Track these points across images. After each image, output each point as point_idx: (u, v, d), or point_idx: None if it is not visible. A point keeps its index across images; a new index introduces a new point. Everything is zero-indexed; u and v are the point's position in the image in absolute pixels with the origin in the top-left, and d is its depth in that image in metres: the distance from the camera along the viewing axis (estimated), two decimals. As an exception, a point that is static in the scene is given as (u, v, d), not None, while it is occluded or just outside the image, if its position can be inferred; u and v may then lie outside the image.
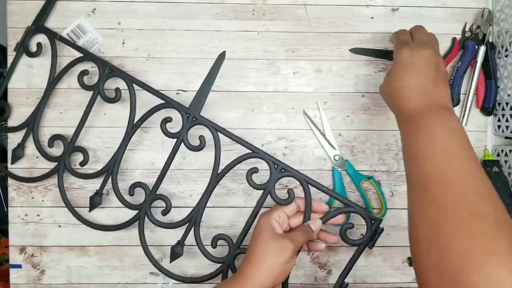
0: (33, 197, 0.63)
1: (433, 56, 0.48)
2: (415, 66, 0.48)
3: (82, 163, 0.60)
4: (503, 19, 0.61)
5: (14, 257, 0.63)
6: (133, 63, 0.63)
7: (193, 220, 0.58)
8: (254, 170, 0.55)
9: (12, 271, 0.63)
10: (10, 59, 0.62)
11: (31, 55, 0.61)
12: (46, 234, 0.63)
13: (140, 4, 0.63)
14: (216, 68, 0.57)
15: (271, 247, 0.47)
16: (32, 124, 0.61)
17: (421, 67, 0.48)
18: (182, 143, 0.57)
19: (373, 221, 0.55)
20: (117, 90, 0.59)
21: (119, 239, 0.63)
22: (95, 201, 0.60)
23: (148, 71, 0.63)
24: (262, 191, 0.56)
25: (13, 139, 0.62)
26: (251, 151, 0.56)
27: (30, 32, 0.61)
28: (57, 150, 0.61)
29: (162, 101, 0.58)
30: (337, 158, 0.63)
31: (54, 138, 0.61)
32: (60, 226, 0.63)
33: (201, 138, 0.56)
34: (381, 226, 0.54)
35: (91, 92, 0.59)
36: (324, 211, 0.54)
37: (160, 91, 0.59)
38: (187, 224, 0.58)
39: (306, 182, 0.55)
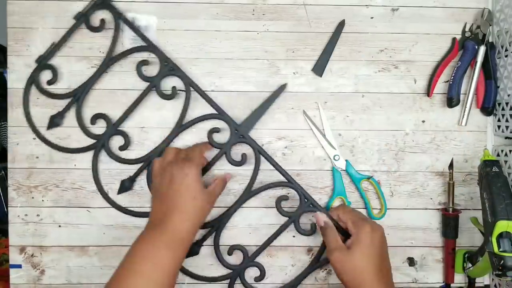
0: (33, 197, 0.63)
1: (383, 234, 0.54)
2: (380, 250, 0.52)
3: (122, 147, 0.61)
4: (503, 19, 0.61)
5: (14, 257, 0.63)
6: (133, 63, 0.63)
7: (216, 226, 0.61)
8: (283, 198, 0.59)
9: (12, 271, 0.63)
10: (10, 59, 0.62)
11: (92, 29, 0.61)
12: (46, 234, 0.63)
13: (140, 4, 0.63)
14: (274, 96, 0.62)
15: (207, 205, 0.52)
16: (79, 94, 0.61)
17: (382, 250, 0.52)
18: (224, 156, 0.60)
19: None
20: (174, 88, 0.60)
21: (119, 239, 0.63)
22: (126, 185, 0.62)
23: (148, 71, 0.63)
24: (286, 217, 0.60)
25: (13, 139, 0.62)
26: (287, 181, 0.60)
27: (94, 6, 0.61)
28: (95, 129, 0.62)
29: (215, 112, 0.61)
30: (337, 158, 0.63)
31: (97, 116, 0.61)
32: (60, 226, 0.63)
33: (244, 155, 0.60)
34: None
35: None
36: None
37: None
38: (209, 229, 0.61)
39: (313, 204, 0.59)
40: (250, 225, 0.63)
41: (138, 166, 0.62)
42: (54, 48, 0.61)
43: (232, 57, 0.63)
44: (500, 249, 0.51)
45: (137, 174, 0.62)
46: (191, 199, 0.49)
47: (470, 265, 0.61)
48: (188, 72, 0.63)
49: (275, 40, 0.64)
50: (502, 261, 0.51)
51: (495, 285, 0.63)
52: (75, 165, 0.62)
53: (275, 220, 0.62)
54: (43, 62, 0.61)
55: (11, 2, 0.62)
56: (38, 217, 0.63)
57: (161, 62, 0.60)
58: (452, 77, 0.63)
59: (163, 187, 0.51)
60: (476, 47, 0.62)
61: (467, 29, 0.64)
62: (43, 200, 0.63)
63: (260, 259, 0.62)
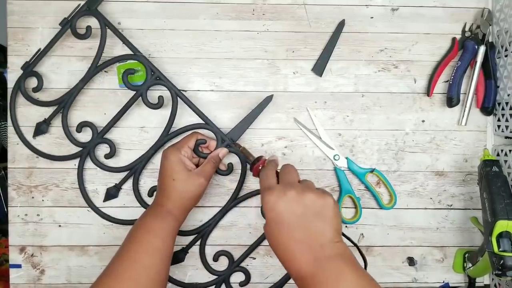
0: (33, 197, 0.63)
1: (300, 196, 0.41)
2: (283, 217, 0.40)
3: (108, 156, 0.61)
4: (503, 19, 0.61)
5: (14, 257, 0.63)
6: (133, 63, 0.63)
7: (202, 232, 0.61)
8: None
9: (12, 271, 0.63)
10: (10, 59, 0.62)
11: (78, 36, 0.59)
12: (46, 234, 0.63)
13: (140, 4, 0.63)
14: (261, 107, 0.61)
15: (189, 186, 0.52)
16: (65, 102, 0.60)
17: (290, 216, 0.40)
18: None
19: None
20: (160, 98, 0.59)
21: (119, 239, 0.63)
22: (112, 193, 0.62)
23: (148, 71, 0.63)
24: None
25: (13, 139, 0.62)
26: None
27: (80, 12, 0.59)
28: (82, 137, 0.62)
29: (201, 122, 0.61)
30: (337, 158, 0.63)
31: (83, 124, 0.61)
32: (60, 226, 0.63)
33: (230, 164, 0.60)
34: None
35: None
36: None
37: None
38: (195, 235, 0.61)
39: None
40: (250, 224, 0.63)
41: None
42: (40, 55, 0.60)
43: (232, 57, 0.63)
44: (500, 249, 0.51)
45: (123, 182, 0.62)
46: (170, 181, 0.52)
47: (470, 265, 0.61)
48: (188, 72, 0.63)
49: (275, 40, 0.64)
50: (502, 261, 0.51)
51: (495, 285, 0.63)
52: (75, 164, 0.62)
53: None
54: (28, 69, 0.60)
55: (11, 2, 0.62)
56: (38, 217, 0.63)
57: (147, 71, 0.59)
58: (452, 77, 0.63)
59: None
60: (476, 47, 0.62)
61: (467, 29, 0.64)
62: (43, 200, 0.63)
63: (260, 259, 0.62)
